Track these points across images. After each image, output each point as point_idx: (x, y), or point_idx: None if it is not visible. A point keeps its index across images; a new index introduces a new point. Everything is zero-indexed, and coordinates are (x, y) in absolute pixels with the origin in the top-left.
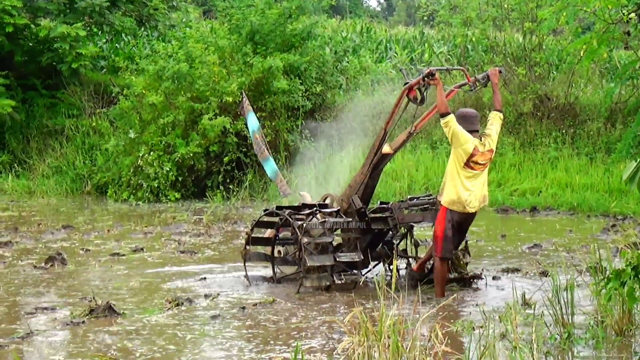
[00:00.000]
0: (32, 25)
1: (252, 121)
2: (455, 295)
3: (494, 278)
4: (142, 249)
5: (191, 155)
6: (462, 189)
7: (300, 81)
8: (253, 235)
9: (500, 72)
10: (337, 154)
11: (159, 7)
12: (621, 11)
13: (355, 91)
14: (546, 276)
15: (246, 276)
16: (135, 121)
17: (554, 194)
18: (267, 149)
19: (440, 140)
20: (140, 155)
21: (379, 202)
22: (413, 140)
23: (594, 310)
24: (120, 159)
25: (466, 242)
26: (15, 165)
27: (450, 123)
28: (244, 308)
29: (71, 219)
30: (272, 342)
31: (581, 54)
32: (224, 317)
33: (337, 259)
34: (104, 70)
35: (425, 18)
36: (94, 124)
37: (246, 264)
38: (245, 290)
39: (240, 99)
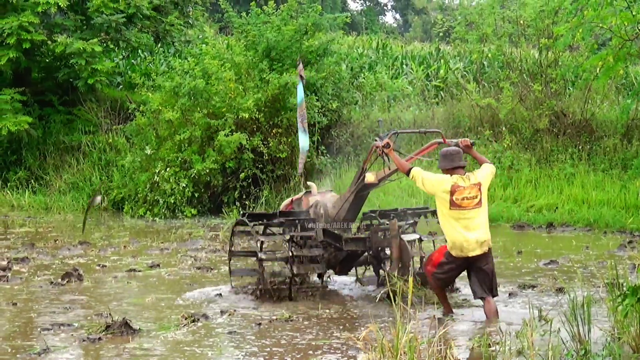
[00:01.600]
0: (49, 42)
1: (301, 91)
2: (471, 312)
3: (510, 294)
4: (158, 265)
5: (207, 171)
6: (455, 232)
7: (317, 97)
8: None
9: (472, 144)
10: (353, 170)
11: (175, 23)
12: (637, 27)
13: (371, 107)
14: (563, 292)
15: (232, 285)
16: (152, 137)
17: (570, 210)
18: (306, 124)
19: None
20: (157, 171)
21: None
22: (429, 156)
23: (611, 326)
24: (137, 175)
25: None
26: (32, 181)
27: (416, 176)
28: (259, 324)
29: (87, 235)
30: (287, 358)
31: (597, 70)
32: (241, 333)
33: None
34: (121, 86)
35: (441, 34)
36: (110, 140)
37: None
38: (261, 307)
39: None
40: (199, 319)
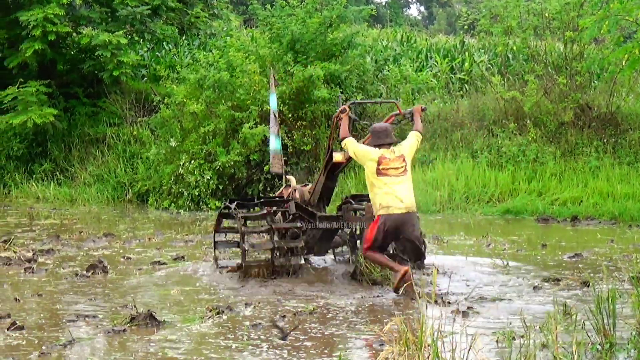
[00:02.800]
0: (74, 34)
1: (274, 101)
2: (496, 303)
3: (534, 288)
4: (182, 257)
5: (232, 163)
6: (382, 193)
7: (341, 90)
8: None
9: (423, 109)
10: None
11: (200, 15)
12: None
13: (395, 100)
14: (587, 286)
15: (216, 264)
16: (176, 130)
17: (595, 203)
18: (279, 130)
19: (481, 149)
20: (181, 163)
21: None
22: (453, 149)
23: (636, 320)
24: (161, 168)
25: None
26: (57, 173)
27: (349, 146)
28: (284, 316)
29: (112, 227)
30: (314, 351)
31: (623, 63)
32: (265, 325)
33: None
34: (145, 78)
35: (465, 27)
36: (135, 132)
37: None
38: (286, 299)
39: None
40: (223, 311)
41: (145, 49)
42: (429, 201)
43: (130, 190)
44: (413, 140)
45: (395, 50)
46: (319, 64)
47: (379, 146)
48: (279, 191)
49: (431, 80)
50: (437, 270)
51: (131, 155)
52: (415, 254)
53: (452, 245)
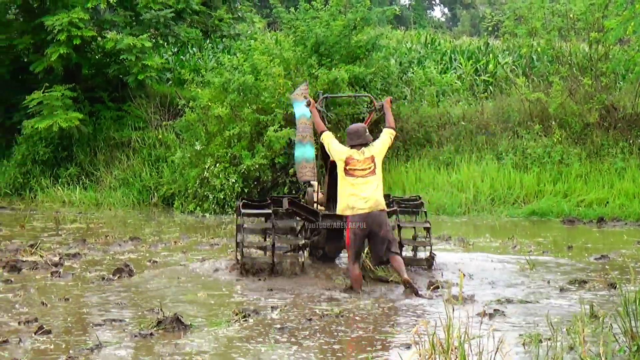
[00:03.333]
0: (99, 38)
1: (303, 109)
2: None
3: (561, 290)
4: (208, 260)
5: (257, 166)
6: (346, 195)
7: (365, 92)
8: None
9: (391, 100)
10: (402, 165)
11: (224, 17)
12: None
13: (420, 102)
14: (614, 288)
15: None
16: (201, 133)
17: (621, 204)
18: (311, 137)
19: (506, 151)
20: (206, 167)
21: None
22: (478, 151)
23: None
24: (187, 171)
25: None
26: (83, 177)
27: (325, 141)
28: (310, 320)
29: (138, 230)
30: (340, 354)
31: None
32: (292, 328)
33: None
34: (170, 82)
35: (490, 29)
36: (160, 136)
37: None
38: (311, 302)
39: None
40: (250, 315)
41: (170, 53)
42: (454, 203)
43: (155, 193)
44: (385, 138)
45: (420, 52)
46: (343, 67)
47: (352, 146)
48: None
49: (455, 82)
50: (463, 273)
51: (156, 159)
52: (381, 254)
53: (478, 247)
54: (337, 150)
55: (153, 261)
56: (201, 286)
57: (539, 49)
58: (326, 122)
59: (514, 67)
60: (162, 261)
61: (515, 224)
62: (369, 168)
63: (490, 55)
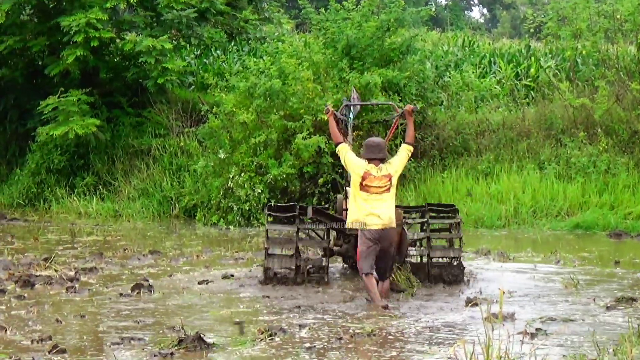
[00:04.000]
0: (118, 40)
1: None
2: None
3: (607, 307)
4: (232, 276)
5: (284, 176)
6: (359, 210)
7: (400, 98)
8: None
9: (413, 110)
10: (438, 175)
11: (250, 19)
12: None
13: (457, 108)
14: None
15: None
16: (226, 141)
17: None
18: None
19: (549, 160)
20: (231, 176)
21: None
22: (519, 160)
23: None
24: (210, 181)
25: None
26: (100, 187)
27: (341, 153)
28: (341, 339)
29: (158, 244)
30: None
31: None
32: (322, 348)
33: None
34: (192, 87)
35: (531, 30)
36: (181, 143)
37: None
38: (342, 319)
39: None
40: (276, 333)
41: (192, 56)
42: (494, 215)
43: (176, 205)
44: (403, 155)
45: (457, 55)
46: (376, 71)
47: (370, 160)
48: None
49: (495, 87)
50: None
51: (178, 168)
52: (380, 272)
53: (519, 262)
54: (354, 164)
55: (174, 276)
56: (225, 302)
57: (583, 52)
58: (350, 131)
59: (557, 71)
60: (184, 276)
61: (558, 237)
62: (385, 186)
63: (532, 58)
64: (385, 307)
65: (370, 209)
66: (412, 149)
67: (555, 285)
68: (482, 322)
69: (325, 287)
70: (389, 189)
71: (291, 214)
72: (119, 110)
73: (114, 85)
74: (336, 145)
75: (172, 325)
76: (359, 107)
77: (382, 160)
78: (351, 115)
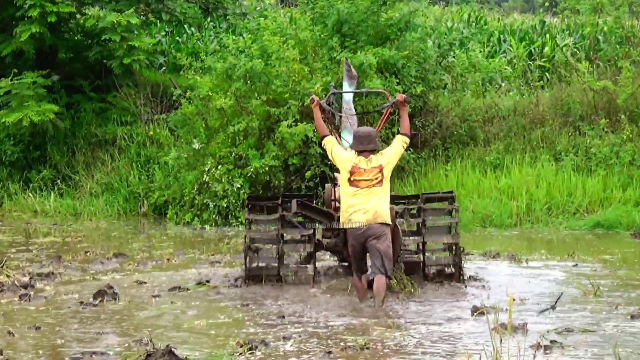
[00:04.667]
0: (78, 15)
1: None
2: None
3: (632, 317)
4: (208, 282)
5: (267, 169)
6: (347, 205)
7: (397, 80)
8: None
9: (406, 100)
10: (441, 167)
11: None
12: None
13: (462, 92)
14: None
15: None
16: (201, 129)
17: None
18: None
19: (566, 151)
20: (206, 169)
21: None
22: (532, 150)
23: None
24: (183, 174)
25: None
26: (59, 181)
27: (327, 146)
28: (330, 352)
29: (124, 245)
30: None
31: None
32: None
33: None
34: (163, 68)
35: (546, 4)
36: (151, 132)
37: None
38: (332, 329)
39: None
40: (257, 347)
41: (163, 33)
42: (504, 213)
43: (145, 201)
44: (398, 147)
45: (462, 32)
46: (370, 50)
47: (360, 152)
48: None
49: (505, 68)
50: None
51: (146, 160)
52: (379, 264)
53: (532, 266)
54: (341, 158)
55: (141, 282)
56: (200, 312)
57: (605, 28)
58: (336, 121)
59: (575, 50)
60: (153, 282)
61: (576, 237)
62: (376, 179)
63: (547, 35)
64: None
65: (357, 203)
66: (407, 140)
67: (572, 292)
68: (490, 333)
69: (313, 290)
70: (380, 182)
71: (274, 204)
72: (80, 95)
73: (74, 66)
74: (322, 138)
75: (139, 337)
76: (354, 84)
77: (373, 152)
78: (348, 99)
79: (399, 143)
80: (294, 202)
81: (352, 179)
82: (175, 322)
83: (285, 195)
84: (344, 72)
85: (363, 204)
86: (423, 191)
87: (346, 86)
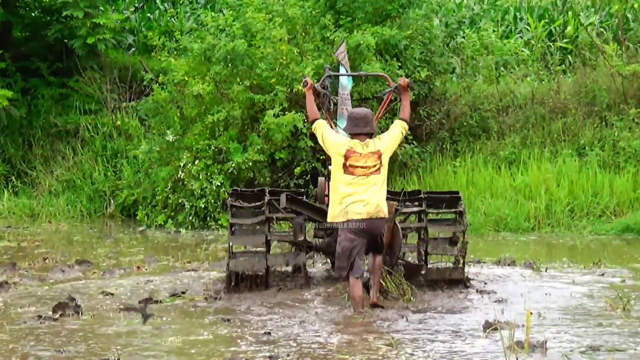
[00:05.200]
0: None
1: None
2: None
3: None
4: (184, 293)
5: (250, 164)
6: (341, 196)
7: (399, 64)
8: None
9: (410, 86)
10: (449, 163)
11: None
12: None
13: (473, 77)
14: None
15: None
16: (175, 119)
17: None
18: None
19: (591, 145)
20: (182, 165)
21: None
22: (552, 144)
23: None
24: (154, 170)
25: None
26: (13, 178)
27: (318, 130)
28: None
29: (88, 251)
30: None
31: None
32: None
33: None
34: (132, 49)
35: None
36: (118, 122)
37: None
38: (326, 349)
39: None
40: None
41: (132, 9)
42: (520, 215)
43: (112, 201)
44: (396, 132)
45: (473, 9)
46: (369, 29)
47: (355, 135)
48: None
49: (522, 51)
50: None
51: (113, 154)
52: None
53: (552, 275)
54: (334, 142)
55: (108, 293)
56: (174, 327)
57: (636, 5)
58: (331, 106)
59: (601, 29)
60: (121, 293)
61: (602, 243)
62: (374, 166)
63: (569, 13)
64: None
65: (354, 193)
66: (407, 127)
67: (598, 305)
68: (504, 352)
69: (303, 301)
70: (378, 170)
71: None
72: (38, 79)
73: (30, 46)
74: (311, 122)
75: (106, 357)
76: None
77: (370, 136)
78: (345, 83)
79: (397, 129)
80: (283, 196)
81: (347, 164)
82: (148, 339)
83: (273, 192)
84: (340, 53)
85: (361, 194)
86: (428, 189)
87: (342, 70)
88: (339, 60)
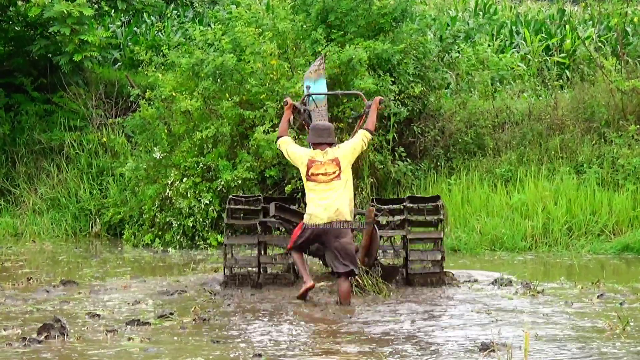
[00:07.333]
0: (20, 2)
1: (319, 89)
2: None
3: None
4: (172, 314)
5: (240, 182)
6: (309, 200)
7: (393, 79)
8: None
9: (381, 101)
10: (443, 181)
11: None
12: None
13: (469, 93)
14: None
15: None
16: (162, 135)
17: None
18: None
19: (589, 162)
20: (169, 182)
21: None
22: (550, 161)
23: None
24: (141, 189)
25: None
26: None
27: (282, 146)
28: None
29: (73, 271)
30: None
31: None
32: None
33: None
34: (118, 64)
35: None
36: (104, 139)
37: None
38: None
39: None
40: None
41: (118, 23)
42: (517, 234)
43: (97, 220)
44: (357, 141)
45: (468, 23)
46: (361, 43)
47: (317, 145)
48: None
49: (518, 65)
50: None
51: (99, 172)
52: (343, 260)
53: (549, 296)
54: (296, 154)
55: (94, 315)
56: (163, 351)
57: (635, 19)
58: (310, 120)
59: (600, 44)
60: (107, 315)
61: (601, 263)
62: (334, 172)
63: (567, 27)
64: (308, 290)
65: (317, 198)
66: (369, 135)
67: (597, 326)
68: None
69: (296, 314)
70: (338, 176)
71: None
72: (22, 95)
73: (14, 61)
74: (277, 139)
75: None
76: (324, 85)
77: (330, 145)
78: (322, 97)
79: (359, 137)
80: (272, 205)
81: (309, 172)
82: None
83: (268, 199)
84: (317, 67)
85: (322, 200)
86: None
87: (323, 81)
88: (314, 77)
